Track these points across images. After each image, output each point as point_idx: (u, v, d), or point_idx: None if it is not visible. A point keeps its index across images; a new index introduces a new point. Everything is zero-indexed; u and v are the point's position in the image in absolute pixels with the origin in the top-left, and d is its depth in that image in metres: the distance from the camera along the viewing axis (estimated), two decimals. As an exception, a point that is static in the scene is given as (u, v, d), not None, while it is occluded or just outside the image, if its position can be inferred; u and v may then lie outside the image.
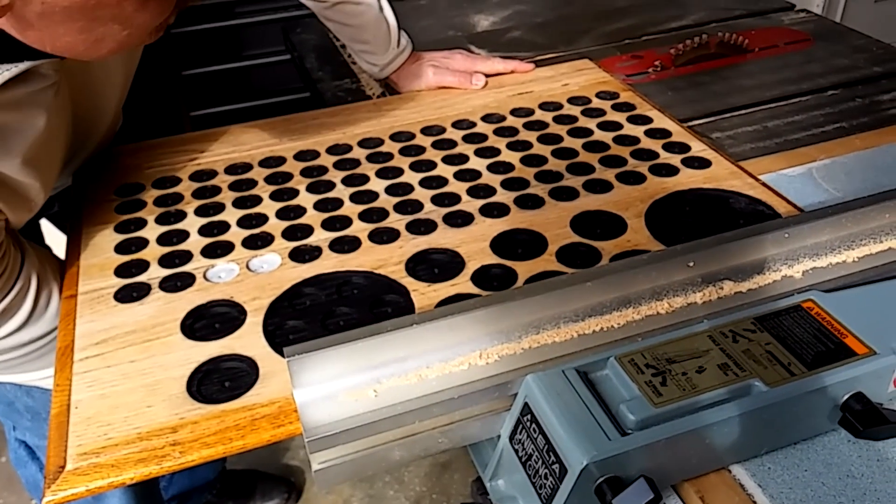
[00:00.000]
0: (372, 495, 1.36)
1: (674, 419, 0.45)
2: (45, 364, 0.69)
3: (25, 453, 0.89)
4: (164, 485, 1.13)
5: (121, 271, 0.65)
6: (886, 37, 1.15)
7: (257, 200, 0.74)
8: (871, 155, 0.82)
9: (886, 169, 0.79)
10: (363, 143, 0.83)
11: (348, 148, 0.82)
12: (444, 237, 0.68)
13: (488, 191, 0.74)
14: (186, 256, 0.67)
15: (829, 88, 0.98)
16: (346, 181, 0.76)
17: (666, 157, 0.78)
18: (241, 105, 1.63)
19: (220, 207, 0.73)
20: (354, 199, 0.74)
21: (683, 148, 0.79)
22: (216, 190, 0.76)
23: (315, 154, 0.81)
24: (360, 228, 0.69)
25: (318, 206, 0.73)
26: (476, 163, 0.78)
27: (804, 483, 0.47)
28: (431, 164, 0.78)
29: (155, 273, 0.65)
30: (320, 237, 0.68)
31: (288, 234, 0.69)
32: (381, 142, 0.83)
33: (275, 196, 0.74)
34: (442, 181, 0.76)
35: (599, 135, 0.82)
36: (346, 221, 0.70)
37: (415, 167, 0.78)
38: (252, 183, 0.77)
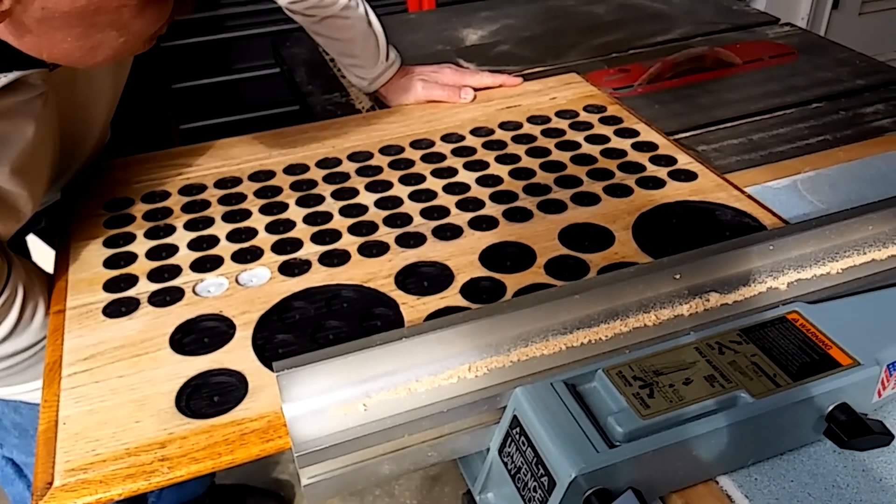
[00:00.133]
0: (362, 509, 1.35)
1: (661, 431, 0.45)
2: (30, 377, 0.68)
3: (12, 471, 0.88)
4: (153, 500, 1.12)
5: (109, 286, 0.65)
6: (869, 50, 1.16)
7: (247, 214, 0.74)
8: (854, 167, 0.83)
9: (870, 181, 0.80)
10: (352, 157, 0.83)
11: (338, 161, 0.82)
12: (433, 250, 0.68)
13: (477, 204, 0.74)
14: (175, 271, 0.67)
15: (813, 101, 0.99)
16: (336, 195, 0.77)
17: (652, 170, 0.78)
18: (231, 118, 1.63)
19: (209, 221, 0.73)
20: (344, 212, 0.74)
21: (670, 161, 0.80)
22: (205, 204, 0.76)
23: (304, 168, 0.82)
24: (349, 242, 0.69)
25: (308, 219, 0.73)
26: (465, 176, 0.79)
27: (790, 494, 0.47)
28: (420, 178, 0.79)
29: (144, 288, 0.65)
30: (310, 251, 0.68)
31: (277, 248, 0.69)
32: (370, 155, 0.83)
33: (264, 210, 0.75)
34: (431, 194, 0.76)
35: (587, 148, 0.83)
36: (335, 235, 0.70)
37: (404, 181, 0.78)
38: (241, 197, 0.77)
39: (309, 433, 0.46)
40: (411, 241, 0.69)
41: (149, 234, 0.72)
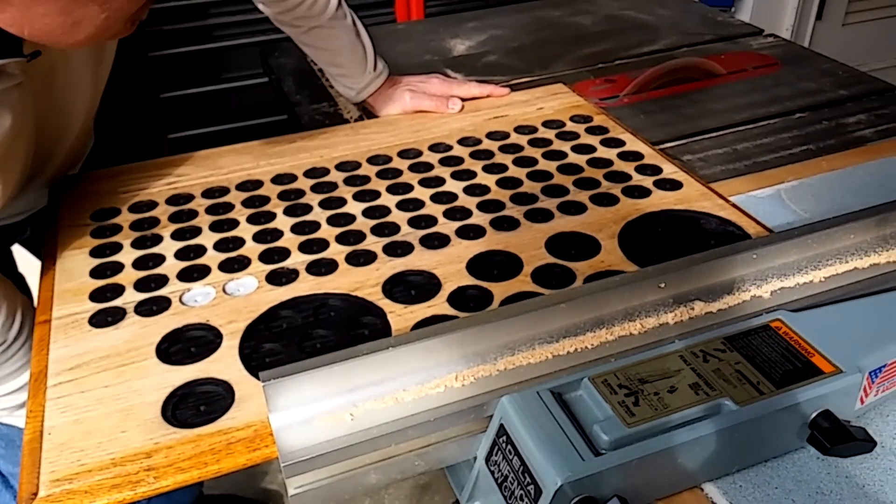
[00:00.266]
0: (351, 519, 1.35)
1: (646, 439, 0.45)
2: None
3: (-1, 482, 0.88)
4: (140, 511, 1.12)
5: (96, 296, 0.65)
6: (853, 60, 1.18)
7: (234, 224, 0.74)
8: (837, 177, 0.84)
9: (852, 190, 0.81)
10: (340, 167, 0.83)
11: (325, 171, 0.83)
12: (420, 259, 0.68)
13: (464, 213, 0.75)
14: (162, 280, 0.66)
15: (796, 111, 1.00)
16: (324, 204, 0.77)
17: (638, 179, 0.79)
18: (219, 128, 1.63)
19: (196, 231, 0.73)
20: (331, 221, 0.74)
21: (655, 170, 0.81)
22: (193, 214, 0.76)
23: (292, 177, 0.82)
24: (337, 251, 0.70)
25: (295, 228, 0.73)
26: (452, 185, 0.79)
27: (775, 501, 0.47)
28: (408, 187, 0.79)
29: (130, 297, 0.65)
30: (297, 260, 0.69)
31: (265, 258, 0.69)
32: (358, 165, 0.84)
33: (252, 219, 0.75)
34: (419, 203, 0.76)
35: (573, 157, 0.84)
36: (322, 244, 0.71)
37: (392, 190, 0.79)
38: (229, 206, 0.77)
39: (296, 443, 0.46)
40: (399, 249, 0.69)
41: (136, 244, 0.71)
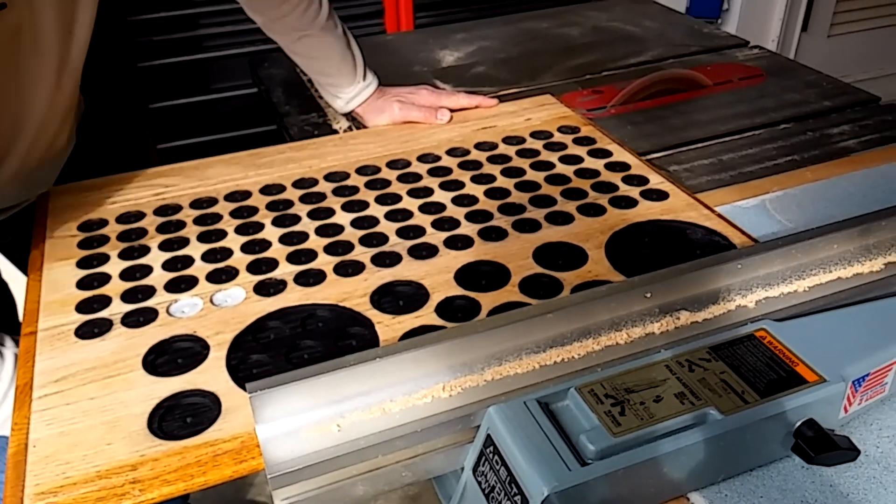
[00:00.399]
0: (340, 530, 1.34)
1: (632, 448, 0.45)
2: None
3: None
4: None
5: (82, 307, 0.65)
6: (838, 71, 1.19)
7: (222, 234, 0.74)
8: (821, 187, 0.85)
9: (836, 200, 0.82)
10: (329, 177, 0.84)
11: (314, 182, 0.83)
12: (408, 269, 0.68)
13: (453, 223, 0.75)
14: (149, 291, 0.66)
15: (781, 122, 1.01)
16: (312, 214, 0.77)
17: (625, 190, 0.80)
18: (208, 138, 1.63)
19: (184, 242, 0.73)
20: (320, 232, 0.74)
21: (642, 181, 0.81)
22: (181, 224, 0.76)
23: (281, 188, 0.82)
24: (325, 261, 0.70)
25: (284, 239, 0.73)
26: (441, 196, 0.80)
27: (760, 509, 0.48)
28: (397, 198, 0.79)
29: (117, 309, 0.64)
30: (285, 270, 0.69)
31: (252, 268, 0.69)
32: (346, 175, 0.84)
33: (240, 230, 0.75)
34: (407, 214, 0.77)
35: (561, 168, 0.84)
36: (311, 255, 0.71)
37: (380, 200, 0.79)
38: (217, 217, 0.77)
39: (282, 454, 0.46)
40: (387, 260, 0.69)
41: (123, 255, 0.71)
